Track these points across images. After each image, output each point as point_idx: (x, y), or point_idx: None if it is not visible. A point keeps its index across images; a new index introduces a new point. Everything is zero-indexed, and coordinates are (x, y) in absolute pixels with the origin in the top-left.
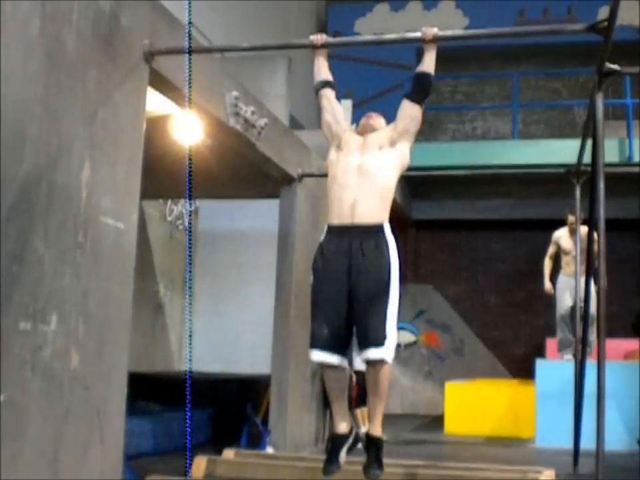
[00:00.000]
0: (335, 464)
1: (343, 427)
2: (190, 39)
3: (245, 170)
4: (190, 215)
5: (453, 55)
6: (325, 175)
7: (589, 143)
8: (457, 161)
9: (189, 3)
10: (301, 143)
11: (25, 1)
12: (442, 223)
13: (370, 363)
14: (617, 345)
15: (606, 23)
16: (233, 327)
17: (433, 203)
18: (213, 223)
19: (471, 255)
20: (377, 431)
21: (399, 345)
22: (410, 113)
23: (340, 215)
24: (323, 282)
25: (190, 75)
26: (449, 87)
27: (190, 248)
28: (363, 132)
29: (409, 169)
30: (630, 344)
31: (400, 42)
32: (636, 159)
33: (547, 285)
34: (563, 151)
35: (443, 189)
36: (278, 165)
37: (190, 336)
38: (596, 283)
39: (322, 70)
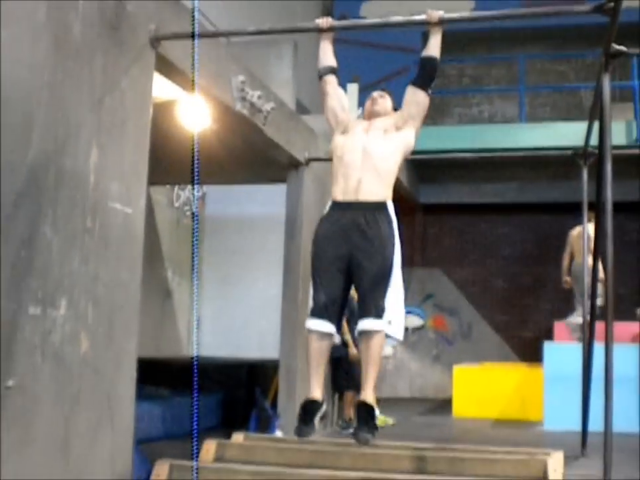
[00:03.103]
0: (310, 426)
1: (317, 393)
2: (195, 23)
3: (252, 155)
4: (197, 201)
5: (459, 38)
6: (332, 159)
7: (596, 125)
8: (463, 145)
9: None
10: (307, 127)
11: None
12: (449, 206)
13: (365, 332)
14: (624, 328)
15: (612, 4)
16: (241, 312)
17: (440, 187)
18: (220, 209)
19: (478, 239)
20: (369, 397)
21: (406, 329)
22: (415, 98)
23: (344, 192)
24: (323, 254)
25: (195, 60)
26: (455, 70)
27: (196, 233)
28: (368, 117)
29: (416, 152)
30: (638, 326)
31: (405, 25)
32: None
33: (567, 279)
34: (569, 134)
35: (450, 173)
36: (285, 150)
37: (197, 321)
38: (604, 265)
39: (327, 55)
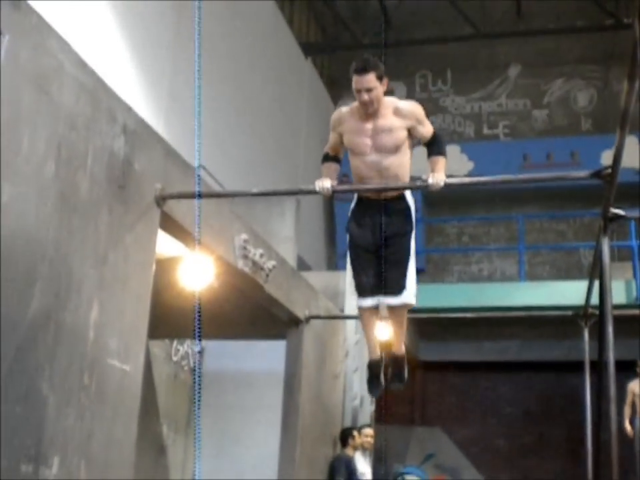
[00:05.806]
0: (379, 384)
1: (377, 353)
2: (197, 184)
3: (252, 311)
4: (198, 358)
5: (458, 197)
6: (332, 317)
7: (596, 284)
8: (463, 303)
9: (198, 149)
10: (308, 284)
11: (41, 144)
12: (449, 364)
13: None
14: None
15: (610, 170)
16: (236, 469)
17: (440, 345)
18: (218, 364)
19: (479, 397)
20: (399, 350)
21: None
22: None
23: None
24: (356, 242)
25: (199, 219)
26: (455, 229)
27: (199, 388)
28: (365, 117)
29: (416, 310)
30: None
31: (408, 189)
32: None
33: (627, 427)
34: (569, 293)
35: (450, 331)
36: (285, 307)
37: None
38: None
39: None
